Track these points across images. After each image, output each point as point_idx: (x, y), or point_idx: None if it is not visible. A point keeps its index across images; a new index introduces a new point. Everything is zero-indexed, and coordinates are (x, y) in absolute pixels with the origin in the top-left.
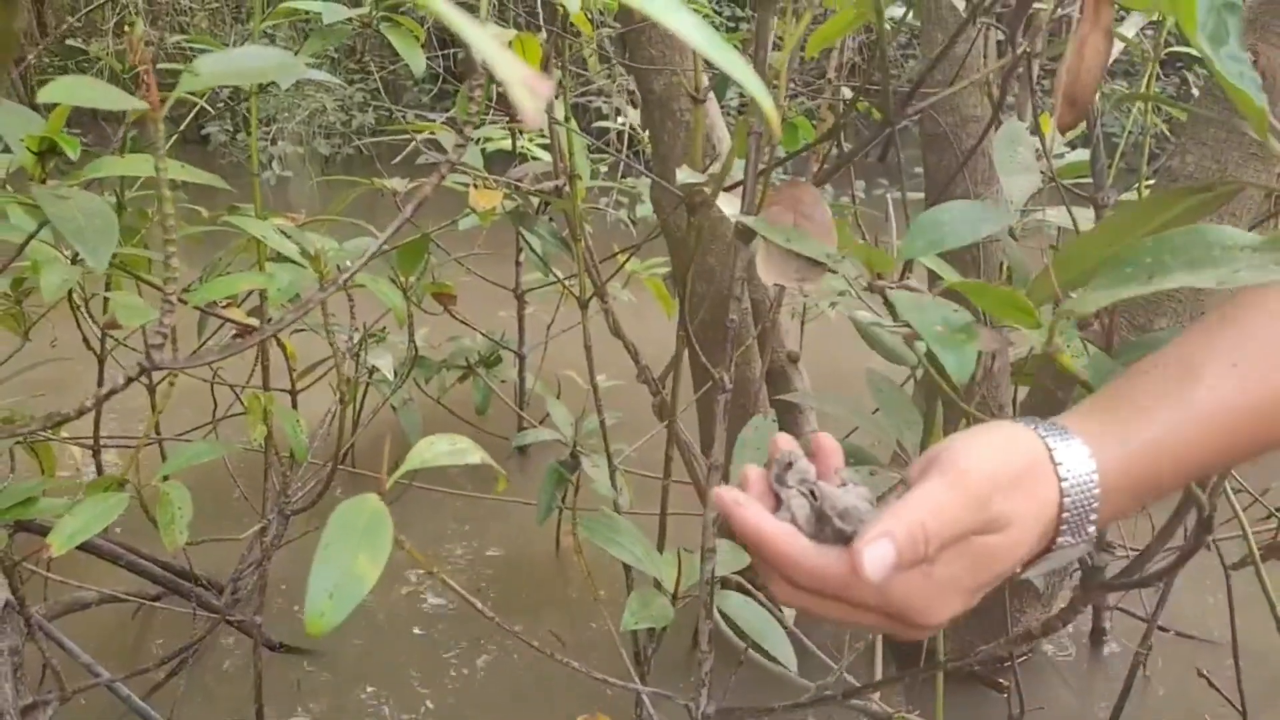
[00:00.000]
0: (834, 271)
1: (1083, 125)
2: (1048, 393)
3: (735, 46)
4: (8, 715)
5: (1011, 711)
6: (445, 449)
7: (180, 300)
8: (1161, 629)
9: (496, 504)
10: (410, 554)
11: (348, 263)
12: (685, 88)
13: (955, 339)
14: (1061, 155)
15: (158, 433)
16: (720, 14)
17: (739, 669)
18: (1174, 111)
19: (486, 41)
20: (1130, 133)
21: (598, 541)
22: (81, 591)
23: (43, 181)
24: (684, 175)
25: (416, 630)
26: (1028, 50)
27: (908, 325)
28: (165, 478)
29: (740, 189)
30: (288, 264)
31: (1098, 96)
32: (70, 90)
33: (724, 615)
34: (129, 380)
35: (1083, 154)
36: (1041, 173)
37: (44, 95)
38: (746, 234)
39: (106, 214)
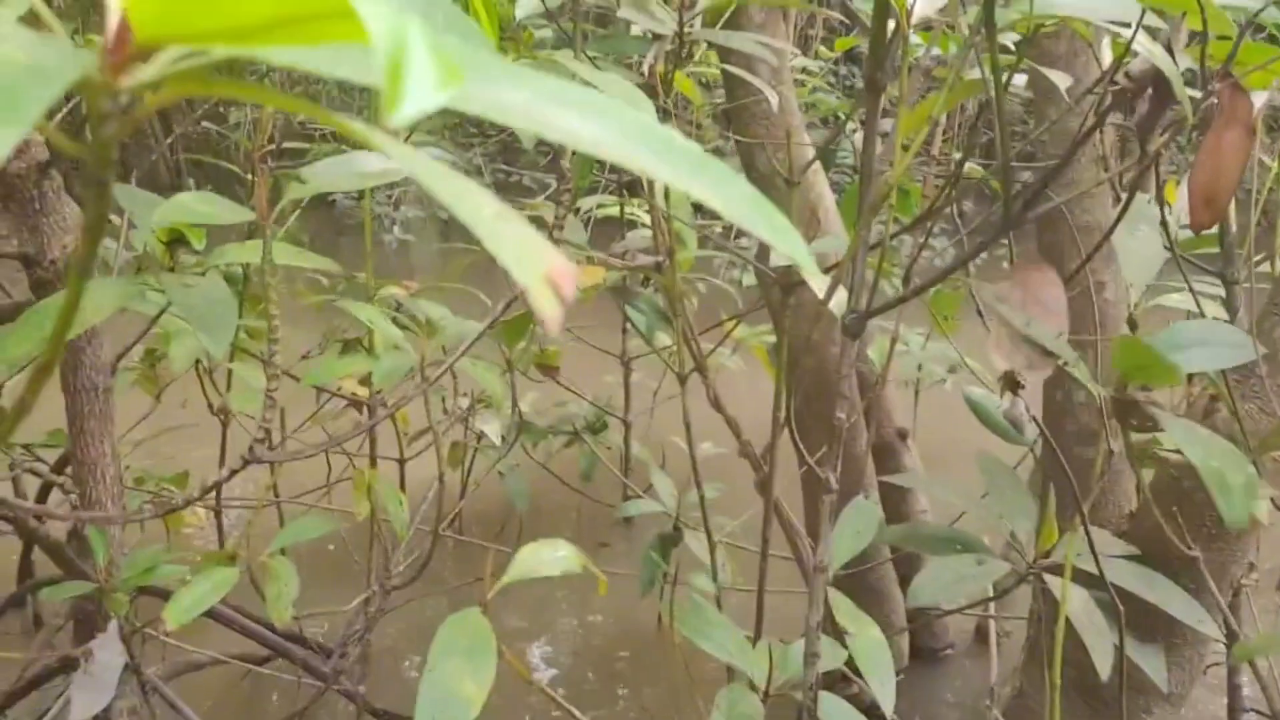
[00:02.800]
0: (1065, 363)
1: None
2: (1173, 479)
3: (846, 116)
4: None
5: None
6: (548, 557)
7: (293, 377)
8: None
9: (602, 570)
10: (511, 664)
11: (445, 348)
12: (778, 170)
13: (1234, 481)
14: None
15: (276, 494)
16: (836, 72)
17: None
18: None
19: (494, 227)
20: (1273, 188)
21: (687, 633)
22: (195, 655)
23: (171, 269)
24: (777, 257)
25: (520, 693)
26: (1159, 152)
27: (1177, 451)
28: (275, 552)
29: (839, 269)
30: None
31: None
32: (186, 209)
33: None
34: (233, 472)
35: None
36: (1166, 247)
37: (159, 217)
38: (856, 329)
39: (228, 303)
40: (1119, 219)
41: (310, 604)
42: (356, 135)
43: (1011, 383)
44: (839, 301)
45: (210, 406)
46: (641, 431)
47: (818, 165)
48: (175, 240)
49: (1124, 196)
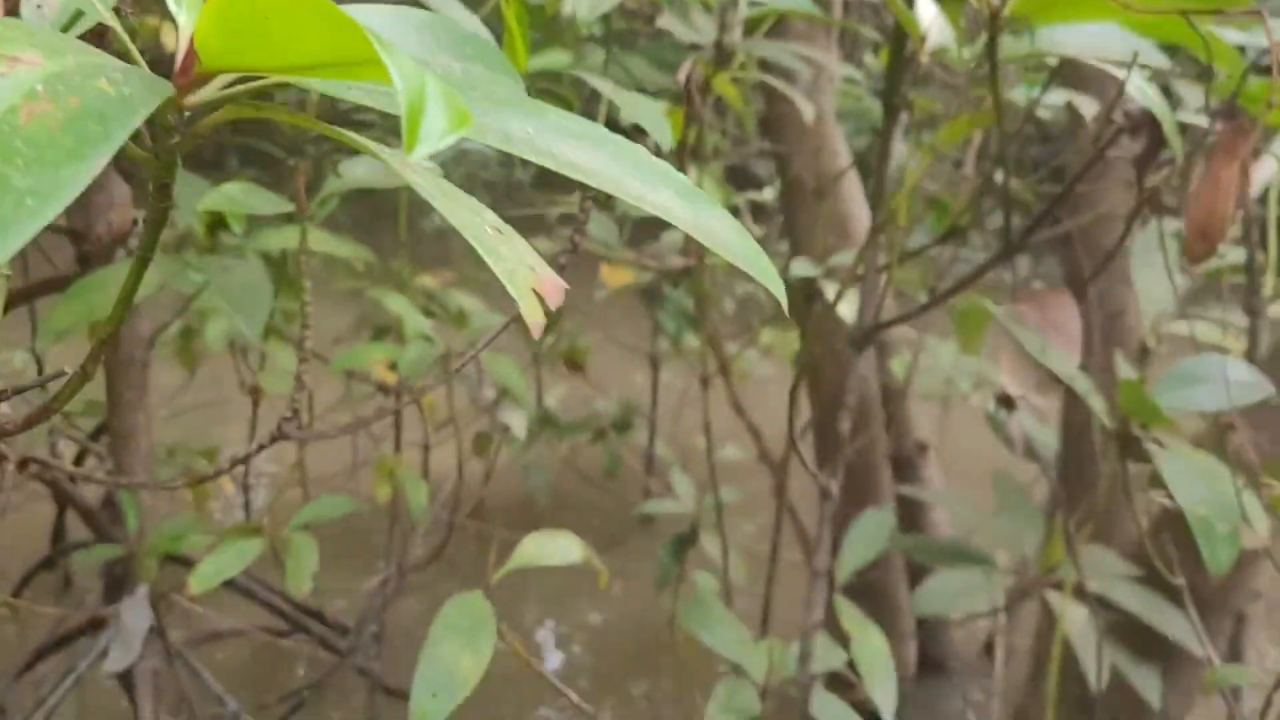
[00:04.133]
0: (1080, 392)
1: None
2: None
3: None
4: None
5: None
6: (552, 547)
7: (322, 359)
8: None
9: (617, 571)
10: (512, 647)
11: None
12: (805, 182)
13: (1220, 531)
14: (1223, 255)
15: (303, 472)
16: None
17: None
18: None
19: (492, 244)
20: None
21: (691, 628)
22: (218, 625)
23: (211, 250)
24: (798, 268)
25: (535, 687)
26: (1158, 188)
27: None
28: (297, 526)
29: (858, 281)
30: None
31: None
32: (230, 198)
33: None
34: (261, 447)
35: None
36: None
37: (205, 204)
38: (862, 343)
39: (264, 287)
40: (1118, 246)
41: (330, 584)
42: (382, 160)
43: (1006, 400)
44: (854, 314)
45: (242, 384)
46: (667, 430)
47: (854, 177)
48: (216, 223)
49: (1148, 222)
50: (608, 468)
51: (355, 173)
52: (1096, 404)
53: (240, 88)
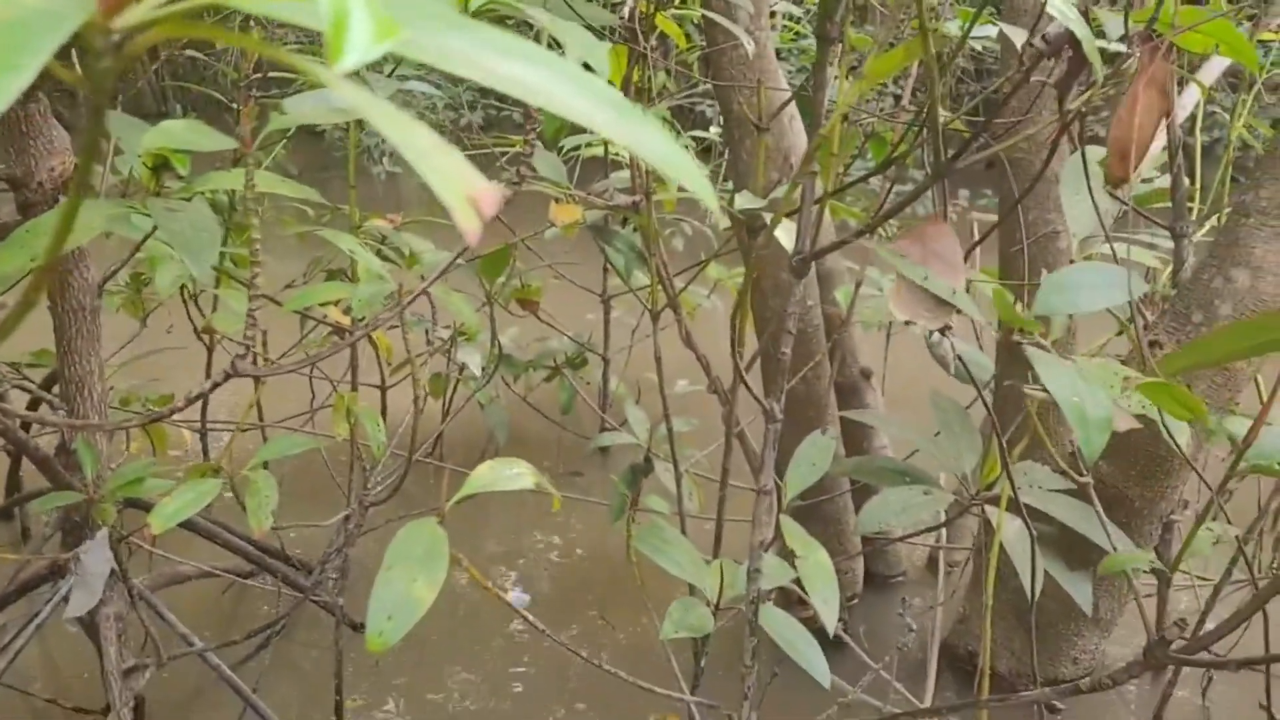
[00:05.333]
0: (960, 312)
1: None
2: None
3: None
4: (111, 674)
5: None
6: (505, 474)
7: (276, 302)
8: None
9: (576, 502)
10: (470, 572)
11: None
12: (748, 115)
13: (1093, 415)
14: (1151, 180)
15: (261, 418)
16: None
17: (773, 681)
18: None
19: (421, 149)
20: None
21: (645, 550)
22: (181, 567)
23: (157, 193)
24: (741, 201)
25: (494, 622)
26: (1082, 110)
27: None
28: (257, 465)
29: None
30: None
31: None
32: (173, 135)
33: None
34: (215, 384)
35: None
36: (1120, 200)
37: (148, 141)
38: (801, 269)
39: (211, 228)
40: (1042, 170)
41: (292, 528)
42: (312, 76)
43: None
44: (793, 242)
45: (196, 331)
46: (620, 367)
47: (795, 112)
48: (161, 166)
49: (1077, 149)
50: (564, 405)
51: (300, 109)
52: (976, 315)
53: (172, 8)
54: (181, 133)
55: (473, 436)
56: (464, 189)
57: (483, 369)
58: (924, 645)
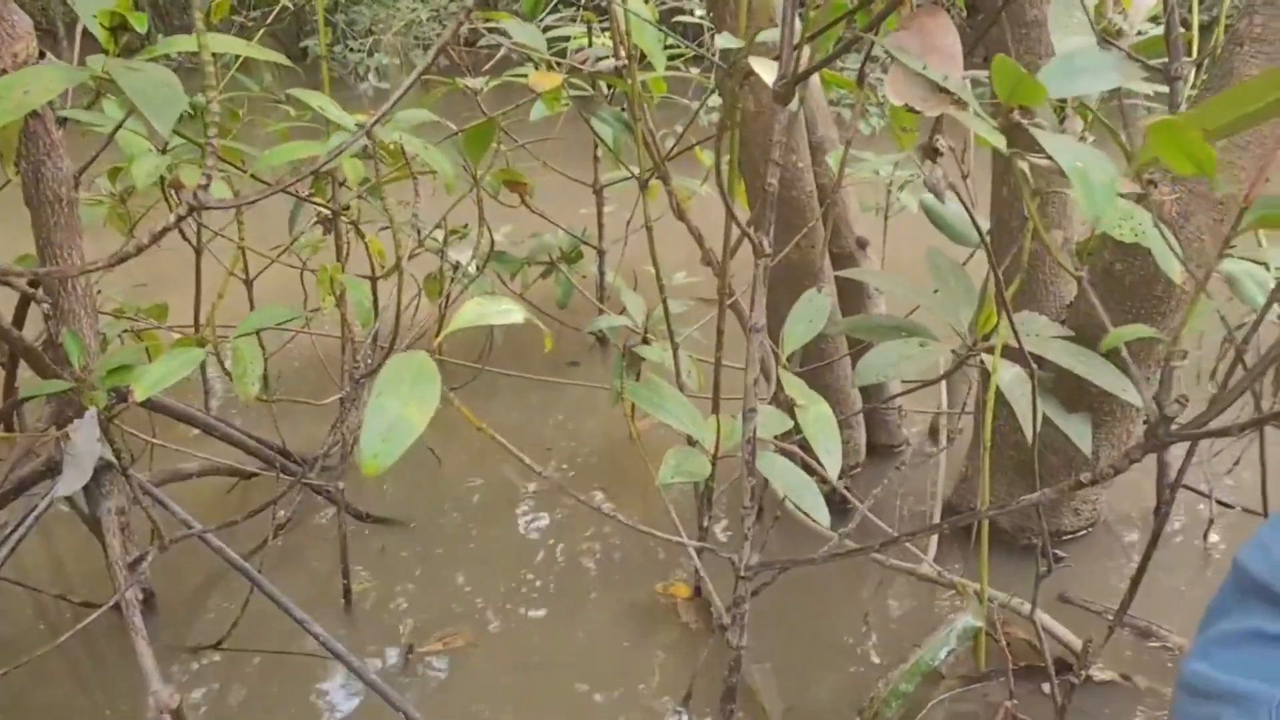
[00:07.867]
0: (959, 101)
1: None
2: (1106, 268)
3: None
4: (117, 565)
5: (1039, 570)
6: (494, 309)
7: (256, 177)
8: (1226, 505)
9: (578, 390)
10: (462, 412)
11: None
12: None
13: (1097, 180)
14: (1142, 33)
15: (247, 275)
16: None
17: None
18: None
19: None
20: None
21: (642, 405)
22: (184, 465)
23: (117, 55)
24: (722, 41)
25: (499, 509)
26: None
27: (1048, 157)
28: (240, 335)
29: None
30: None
31: None
32: None
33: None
34: (180, 218)
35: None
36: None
37: None
38: (784, 96)
39: (174, 85)
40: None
41: (289, 427)
42: None
43: (930, 151)
44: (772, 75)
45: (183, 234)
46: (615, 260)
47: None
48: (119, 26)
49: None
50: (560, 299)
51: None
52: (970, 99)
53: None
54: None
55: (471, 334)
56: None
57: (476, 265)
58: (925, 518)
